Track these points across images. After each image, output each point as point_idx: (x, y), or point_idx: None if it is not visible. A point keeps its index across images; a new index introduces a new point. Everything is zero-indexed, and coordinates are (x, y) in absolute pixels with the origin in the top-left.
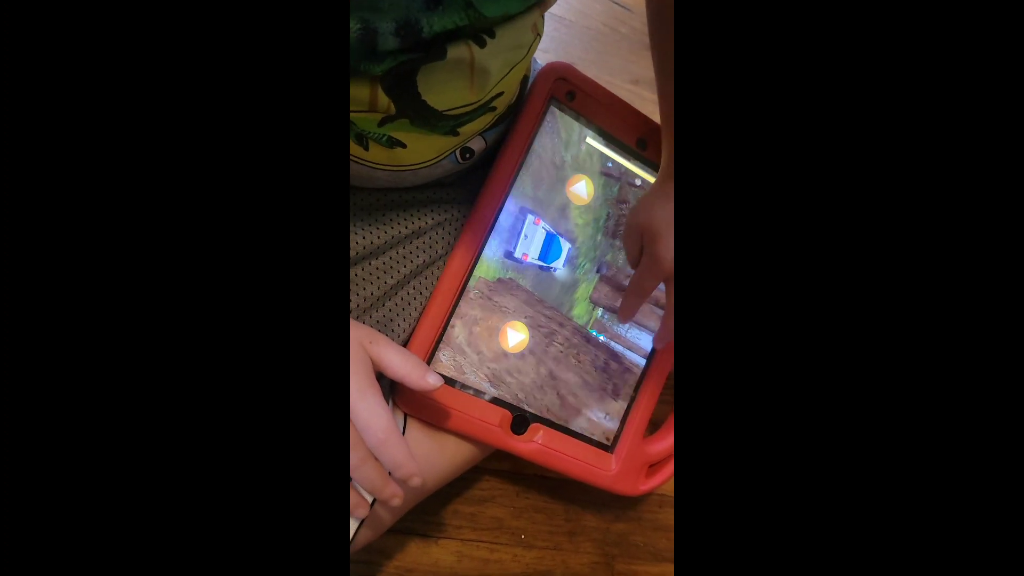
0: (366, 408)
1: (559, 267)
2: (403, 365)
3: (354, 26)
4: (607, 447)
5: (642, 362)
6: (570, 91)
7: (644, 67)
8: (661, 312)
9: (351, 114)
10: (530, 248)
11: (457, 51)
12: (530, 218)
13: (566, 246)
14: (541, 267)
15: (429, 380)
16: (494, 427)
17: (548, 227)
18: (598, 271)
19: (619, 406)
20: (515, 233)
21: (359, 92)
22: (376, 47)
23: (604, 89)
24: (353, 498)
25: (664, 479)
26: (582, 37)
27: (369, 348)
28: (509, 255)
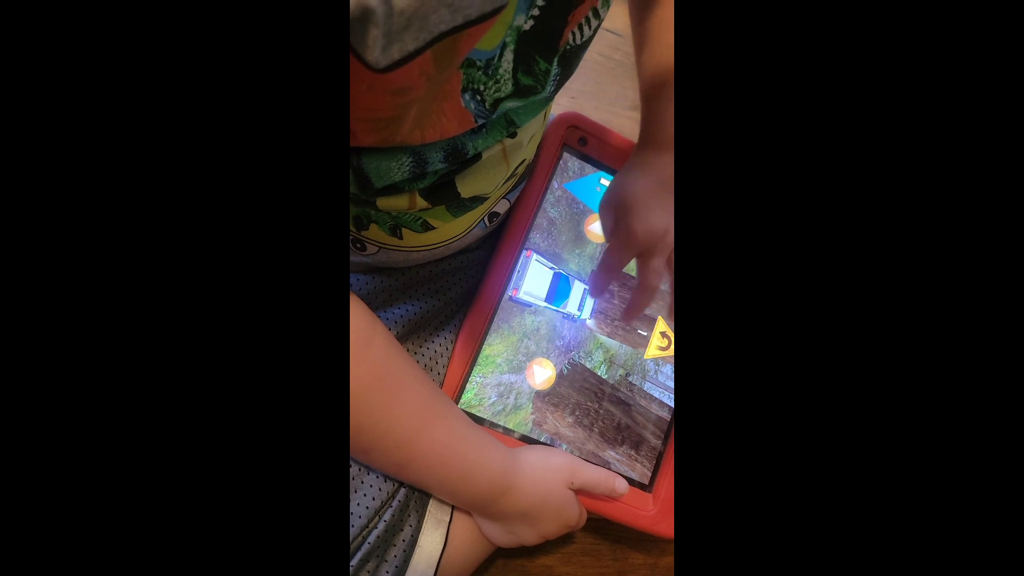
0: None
1: (583, 317)
2: (599, 478)
3: (406, 159)
4: (645, 487)
5: (671, 399)
6: (582, 137)
7: None
8: None
9: (390, 212)
10: (523, 282)
11: (491, 151)
12: (523, 253)
13: (580, 287)
14: (563, 316)
15: (617, 488)
16: None
17: (546, 263)
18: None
19: (654, 444)
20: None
21: (398, 202)
22: (425, 171)
23: (615, 133)
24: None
25: None
26: (577, 69)
27: (574, 481)
28: (510, 297)
